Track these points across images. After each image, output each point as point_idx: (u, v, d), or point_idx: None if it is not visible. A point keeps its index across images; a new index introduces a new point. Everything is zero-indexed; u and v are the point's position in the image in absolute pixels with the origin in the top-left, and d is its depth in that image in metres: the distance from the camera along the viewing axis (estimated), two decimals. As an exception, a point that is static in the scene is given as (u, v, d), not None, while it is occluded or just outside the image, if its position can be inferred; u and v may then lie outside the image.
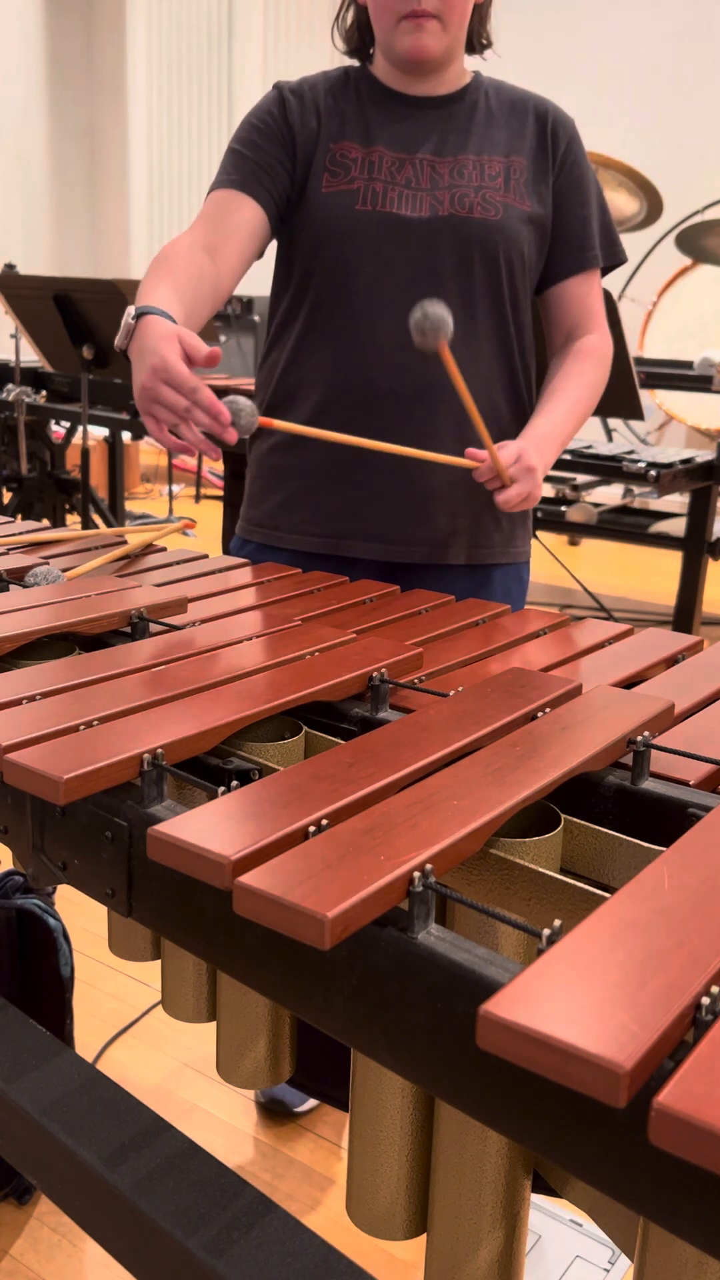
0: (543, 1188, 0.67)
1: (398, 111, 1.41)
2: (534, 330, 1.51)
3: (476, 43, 1.46)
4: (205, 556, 1.36)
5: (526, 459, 1.33)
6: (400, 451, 1.29)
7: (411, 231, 1.37)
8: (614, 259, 1.50)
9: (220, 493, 6.40)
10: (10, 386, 4.08)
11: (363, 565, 1.46)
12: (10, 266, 4.00)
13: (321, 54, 7.00)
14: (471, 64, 1.51)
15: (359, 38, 1.45)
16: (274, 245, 1.49)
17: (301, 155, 1.40)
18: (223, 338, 6.47)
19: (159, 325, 1.18)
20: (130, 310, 1.22)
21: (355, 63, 1.47)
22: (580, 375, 1.46)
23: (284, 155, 1.40)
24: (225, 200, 1.39)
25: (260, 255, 1.45)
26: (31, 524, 1.46)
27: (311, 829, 0.62)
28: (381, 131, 1.40)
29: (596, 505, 3.79)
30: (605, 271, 1.51)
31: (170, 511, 6.10)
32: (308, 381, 1.43)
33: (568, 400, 1.44)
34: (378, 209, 1.37)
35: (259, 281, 1.89)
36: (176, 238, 1.38)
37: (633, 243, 5.75)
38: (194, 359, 1.16)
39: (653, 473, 3.16)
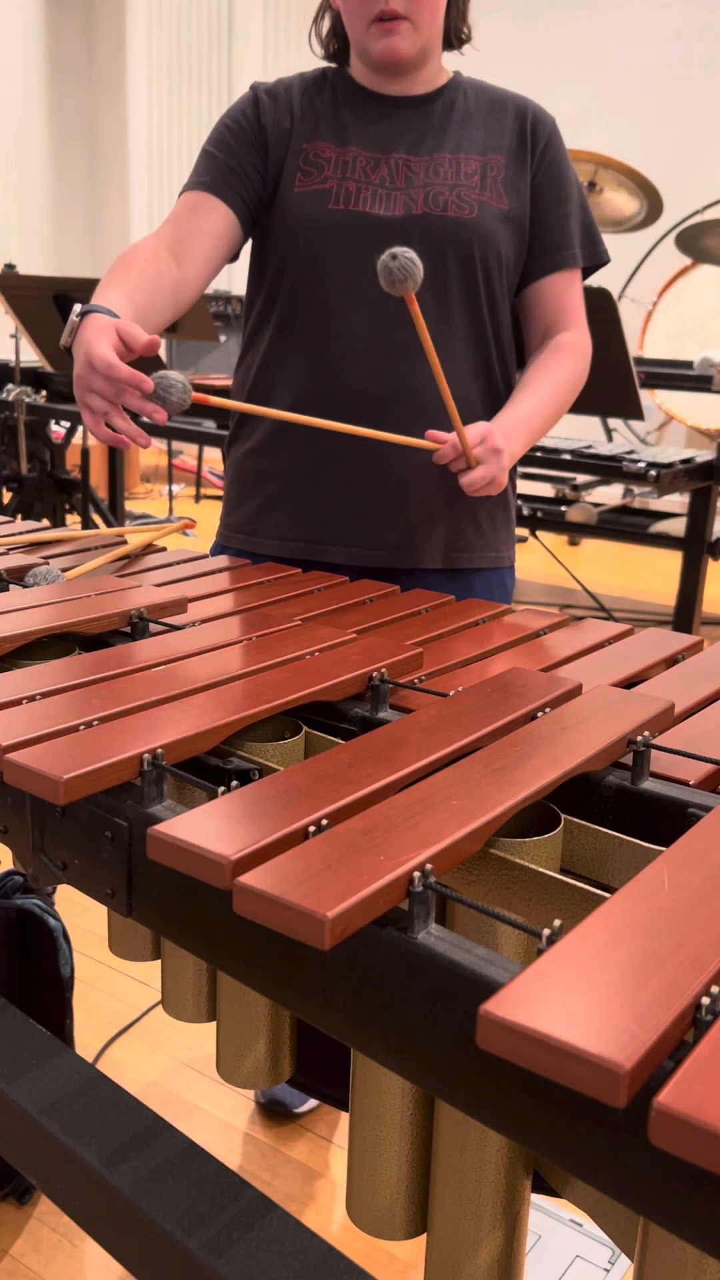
0: (543, 1188, 0.67)
1: (374, 111, 1.40)
2: (515, 331, 1.49)
3: (454, 38, 1.44)
4: (205, 556, 1.36)
5: (492, 440, 1.29)
6: (357, 432, 1.26)
7: (384, 231, 1.36)
8: (595, 259, 1.47)
9: (220, 492, 6.40)
10: (10, 386, 4.08)
11: (339, 570, 1.44)
12: (10, 266, 4.00)
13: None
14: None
15: (336, 42, 1.45)
16: (248, 247, 1.48)
17: (274, 156, 1.40)
18: (223, 338, 6.47)
19: (97, 319, 1.21)
20: (76, 308, 1.24)
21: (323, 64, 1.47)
22: (554, 370, 1.43)
23: (256, 157, 1.40)
24: (194, 202, 1.40)
25: (234, 258, 1.45)
26: (31, 524, 1.46)
27: (311, 829, 0.62)
28: (356, 131, 1.39)
29: (596, 505, 3.79)
30: (588, 273, 1.49)
31: (170, 511, 6.11)
32: (281, 384, 1.43)
33: (540, 393, 1.41)
34: (350, 208, 1.36)
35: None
36: (142, 239, 1.39)
37: (633, 243, 5.75)
38: (132, 347, 1.19)
39: (653, 473, 3.16)
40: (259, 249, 1.45)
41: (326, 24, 1.45)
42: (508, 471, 1.32)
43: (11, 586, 1.14)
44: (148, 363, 3.77)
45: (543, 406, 1.41)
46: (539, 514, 3.74)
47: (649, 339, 5.80)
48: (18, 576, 1.19)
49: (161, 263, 1.35)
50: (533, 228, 1.43)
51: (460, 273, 1.38)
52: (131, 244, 1.56)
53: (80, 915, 2.18)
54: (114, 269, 1.34)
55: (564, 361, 1.44)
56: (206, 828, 0.61)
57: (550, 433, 6.01)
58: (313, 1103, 1.72)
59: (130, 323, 1.20)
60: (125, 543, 1.37)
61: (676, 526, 3.58)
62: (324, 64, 1.48)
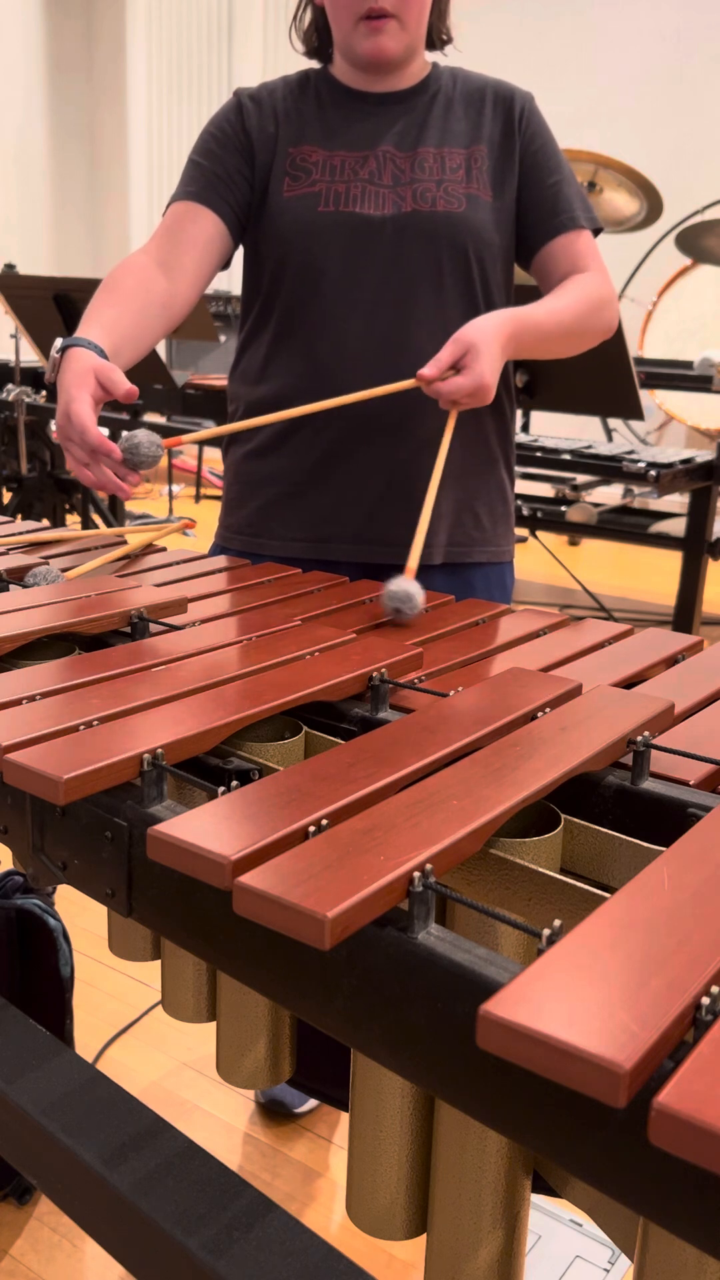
0: (543, 1188, 0.67)
1: (358, 111, 1.41)
2: None
3: (436, 39, 1.45)
4: (205, 556, 1.36)
5: (473, 350, 1.21)
6: (342, 402, 1.27)
7: (376, 230, 1.36)
8: (593, 224, 1.46)
9: (220, 493, 6.40)
10: (10, 386, 4.08)
11: (342, 568, 1.44)
12: (10, 266, 4.00)
13: (321, 54, 6.99)
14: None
15: (317, 38, 1.45)
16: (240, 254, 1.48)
17: (261, 161, 1.40)
18: (223, 338, 6.47)
19: (78, 360, 1.23)
20: (57, 343, 1.25)
21: (316, 64, 1.47)
22: (572, 285, 1.39)
23: (242, 163, 1.40)
24: (183, 213, 1.40)
25: (226, 266, 1.46)
26: (31, 524, 1.46)
27: (311, 829, 0.62)
28: (342, 133, 1.39)
29: (596, 505, 3.79)
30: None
31: (170, 511, 6.11)
32: (277, 389, 1.43)
33: (554, 299, 1.36)
34: (341, 209, 1.37)
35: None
36: (132, 255, 1.40)
37: (633, 243, 5.75)
38: (112, 393, 1.21)
39: (653, 473, 3.16)
40: (251, 256, 1.45)
41: (307, 19, 1.45)
42: (495, 376, 1.24)
43: (11, 586, 1.14)
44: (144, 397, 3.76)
45: (553, 311, 1.35)
46: (539, 514, 3.74)
47: (649, 339, 5.80)
48: (18, 576, 1.19)
49: (151, 280, 1.35)
50: (528, 203, 1.43)
51: (454, 267, 1.38)
52: (127, 254, 1.57)
53: (80, 915, 2.18)
54: (100, 292, 1.35)
55: (583, 280, 1.41)
56: (206, 828, 0.61)
57: (550, 432, 5.99)
58: (313, 1103, 1.72)
59: (110, 367, 1.22)
60: (125, 543, 1.37)
61: (676, 526, 3.58)
62: (310, 64, 1.48)
